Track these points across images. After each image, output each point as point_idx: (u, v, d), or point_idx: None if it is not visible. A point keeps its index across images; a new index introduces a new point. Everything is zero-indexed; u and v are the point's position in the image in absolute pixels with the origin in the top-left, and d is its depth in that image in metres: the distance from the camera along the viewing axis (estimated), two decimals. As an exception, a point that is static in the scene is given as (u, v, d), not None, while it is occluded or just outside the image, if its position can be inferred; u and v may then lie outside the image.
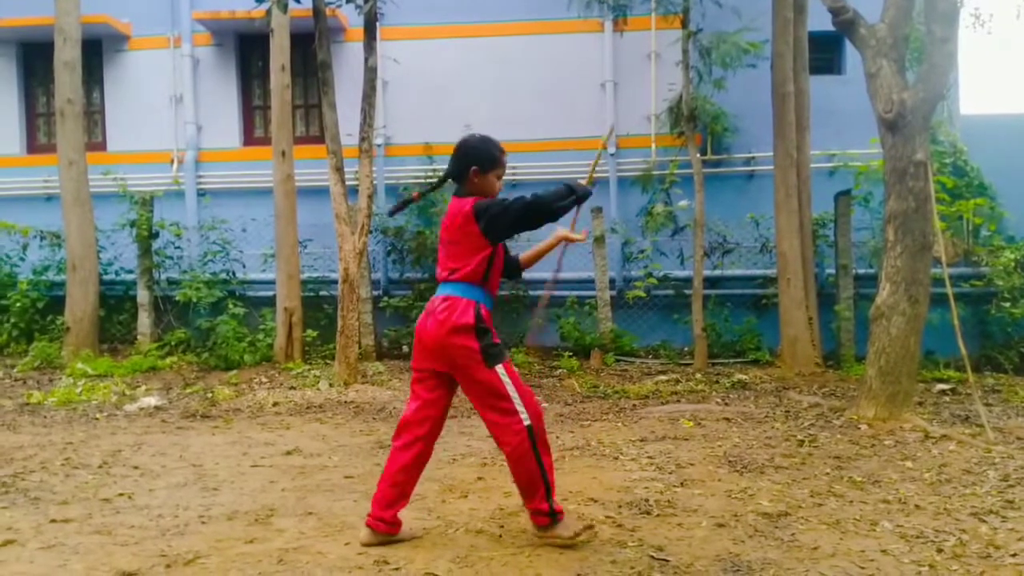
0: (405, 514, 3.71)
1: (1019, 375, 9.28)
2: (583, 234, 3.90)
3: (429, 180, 11.21)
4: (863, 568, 3.32)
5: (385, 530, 3.59)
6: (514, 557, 3.45)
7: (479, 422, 6.60)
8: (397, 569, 3.32)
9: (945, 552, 3.50)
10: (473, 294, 3.53)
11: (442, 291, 3.59)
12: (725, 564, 3.37)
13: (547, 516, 3.54)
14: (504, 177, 3.69)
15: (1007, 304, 9.83)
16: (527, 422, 3.47)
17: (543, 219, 3.50)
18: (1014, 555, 3.45)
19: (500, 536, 3.75)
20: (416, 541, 3.67)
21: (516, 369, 3.64)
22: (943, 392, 7.92)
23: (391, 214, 4.16)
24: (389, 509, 3.60)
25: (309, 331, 10.18)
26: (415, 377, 3.68)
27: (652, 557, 3.45)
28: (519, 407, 3.48)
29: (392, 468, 3.61)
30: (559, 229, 3.81)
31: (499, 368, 3.49)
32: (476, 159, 3.56)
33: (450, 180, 3.69)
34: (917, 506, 4.19)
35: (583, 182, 3.65)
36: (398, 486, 3.60)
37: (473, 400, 3.59)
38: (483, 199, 3.53)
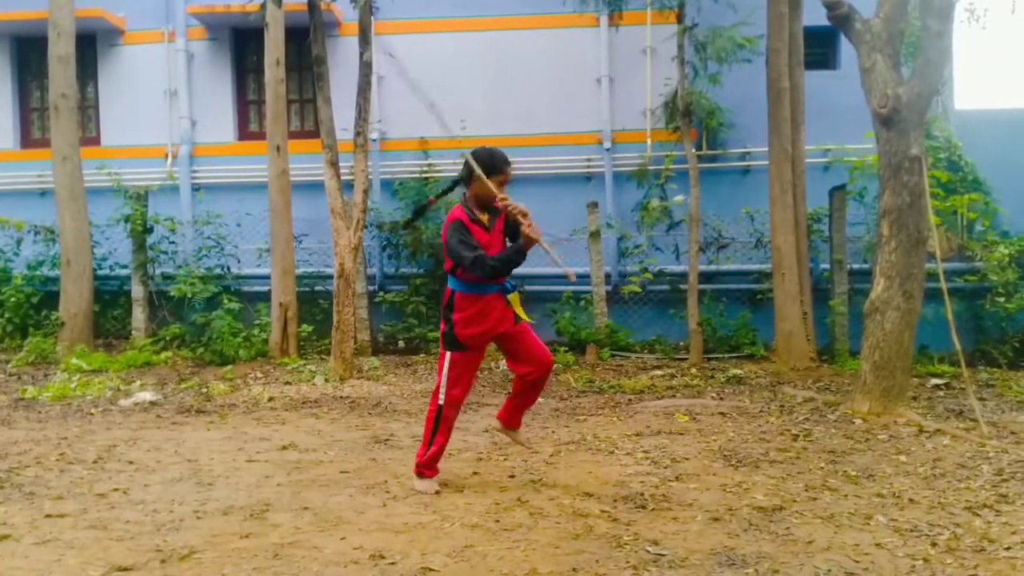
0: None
1: (1013, 370, 9.31)
2: (572, 277, 4.71)
3: (425, 175, 11.21)
4: (857, 562, 3.33)
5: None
6: (510, 551, 3.46)
7: (475, 417, 6.62)
8: (393, 564, 3.33)
9: (939, 546, 3.51)
10: (451, 284, 4.35)
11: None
12: (720, 558, 3.38)
13: (417, 467, 4.50)
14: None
15: (1001, 299, 9.84)
16: (440, 401, 4.37)
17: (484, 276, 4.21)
18: (1008, 548, 3.47)
19: (496, 531, 3.76)
20: (412, 535, 3.67)
21: (462, 361, 4.35)
22: (937, 387, 7.94)
23: (405, 227, 4.73)
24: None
25: (304, 326, 10.17)
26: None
27: (647, 551, 3.46)
28: (443, 389, 4.36)
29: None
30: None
31: (448, 354, 4.34)
32: (479, 166, 4.19)
33: (462, 183, 4.41)
34: (911, 500, 4.21)
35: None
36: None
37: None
38: (457, 220, 4.23)
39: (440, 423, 4.37)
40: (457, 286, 4.30)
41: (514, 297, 4.41)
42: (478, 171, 4.17)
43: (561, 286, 10.73)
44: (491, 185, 4.17)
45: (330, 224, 8.76)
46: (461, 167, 4.28)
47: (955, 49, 11.75)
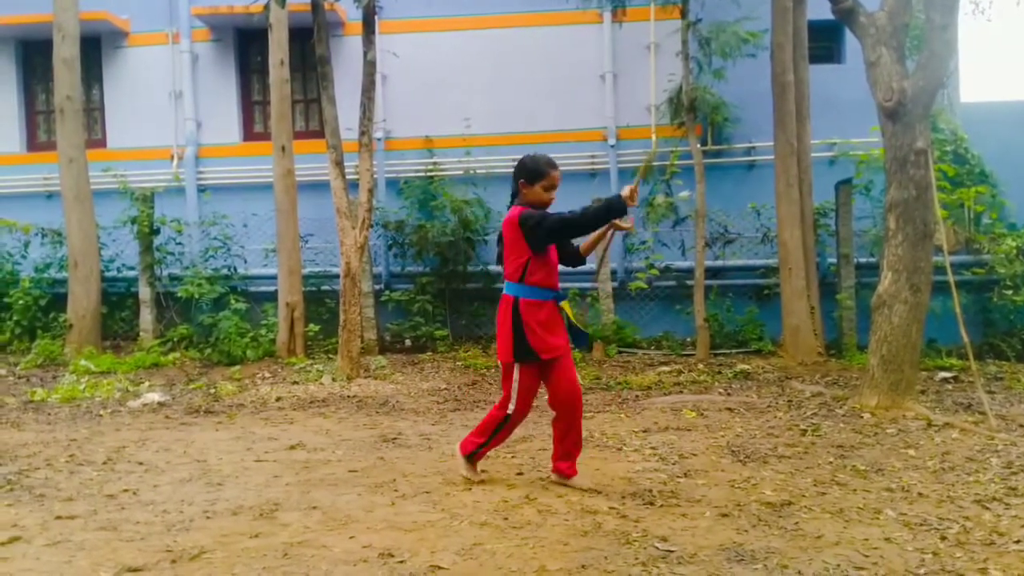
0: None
1: (1021, 362, 9.28)
2: (630, 221, 4.36)
3: (430, 173, 11.22)
4: (867, 556, 3.32)
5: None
6: (518, 549, 3.46)
7: (482, 415, 6.60)
8: (402, 562, 3.33)
9: (949, 539, 3.50)
10: (513, 290, 4.22)
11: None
12: (729, 554, 3.37)
13: (467, 457, 4.53)
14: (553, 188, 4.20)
15: (1009, 292, 9.82)
16: (508, 411, 4.29)
17: (575, 234, 4.17)
18: (1017, 542, 3.45)
19: (504, 528, 3.76)
20: (421, 534, 3.67)
21: (532, 372, 4.26)
22: (945, 380, 7.92)
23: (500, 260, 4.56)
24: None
25: (311, 326, 10.19)
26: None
27: (656, 547, 3.46)
28: (512, 400, 4.27)
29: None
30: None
31: (517, 365, 4.22)
32: (522, 173, 4.21)
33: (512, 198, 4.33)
34: (920, 494, 4.20)
35: (631, 187, 3.99)
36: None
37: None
38: (531, 209, 4.15)
39: (502, 431, 4.38)
40: (520, 291, 4.19)
41: (565, 304, 4.37)
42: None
43: (567, 283, 10.71)
44: (545, 195, 4.20)
45: (335, 224, 8.77)
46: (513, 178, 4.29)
47: (960, 42, 11.71)
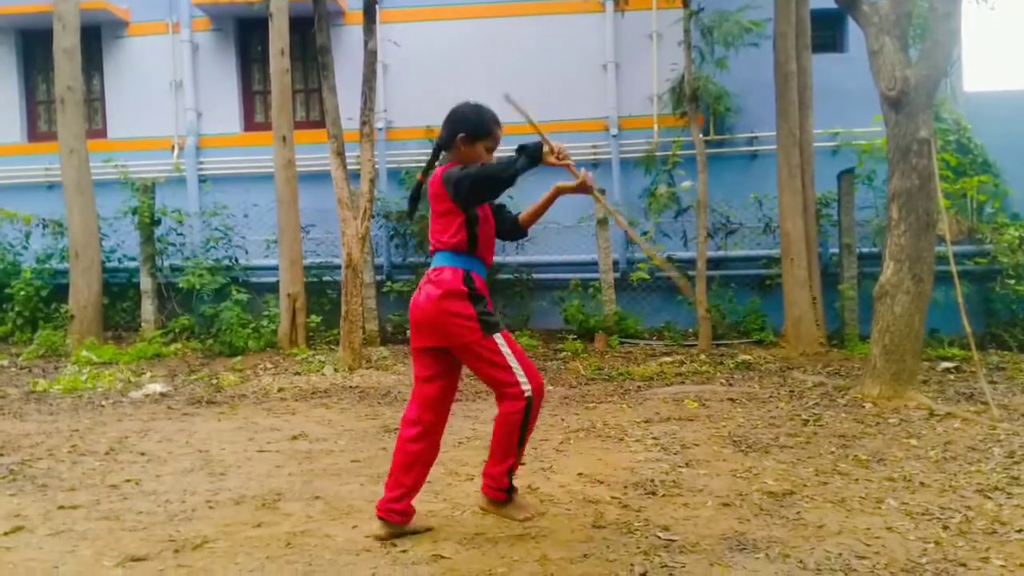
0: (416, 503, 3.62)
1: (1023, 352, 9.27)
2: (583, 175, 3.46)
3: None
4: (869, 545, 3.32)
5: (398, 520, 3.48)
6: (520, 539, 3.46)
7: (484, 405, 6.62)
8: (404, 551, 3.33)
9: (951, 529, 3.50)
10: (461, 262, 3.40)
11: (434, 262, 3.48)
12: (731, 543, 3.38)
13: (505, 492, 3.48)
14: (496, 151, 3.50)
15: (1011, 281, 9.80)
16: (528, 392, 3.34)
17: (498, 185, 3.26)
18: (1020, 531, 3.45)
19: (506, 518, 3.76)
20: (423, 522, 3.67)
21: (512, 339, 3.47)
22: (947, 370, 7.91)
23: (409, 216, 3.95)
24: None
25: (313, 317, 10.19)
26: (414, 358, 3.54)
27: (658, 537, 3.46)
28: (520, 376, 3.36)
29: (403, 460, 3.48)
30: (555, 187, 3.54)
31: (497, 337, 3.37)
32: (464, 126, 3.42)
33: (442, 151, 3.51)
34: (922, 483, 4.20)
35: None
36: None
37: (474, 371, 3.44)
38: (453, 166, 3.37)
39: (530, 422, 3.41)
40: (470, 265, 3.42)
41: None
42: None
43: (569, 274, 10.72)
44: (487, 157, 3.47)
45: (337, 214, 8.76)
46: (442, 128, 3.51)
47: (963, 31, 11.65)
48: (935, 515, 3.68)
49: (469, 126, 3.42)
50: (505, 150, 3.16)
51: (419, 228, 10.83)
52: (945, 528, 3.51)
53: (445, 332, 3.37)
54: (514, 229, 3.75)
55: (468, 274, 3.40)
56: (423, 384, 3.49)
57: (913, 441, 5.12)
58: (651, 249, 3.86)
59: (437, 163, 3.54)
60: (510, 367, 3.36)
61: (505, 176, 3.21)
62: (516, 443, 3.41)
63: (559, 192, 3.54)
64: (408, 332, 10.67)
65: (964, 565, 3.10)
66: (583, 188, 3.48)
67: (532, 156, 3.22)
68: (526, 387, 3.35)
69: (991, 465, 4.52)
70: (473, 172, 3.26)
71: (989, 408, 5.85)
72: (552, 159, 3.25)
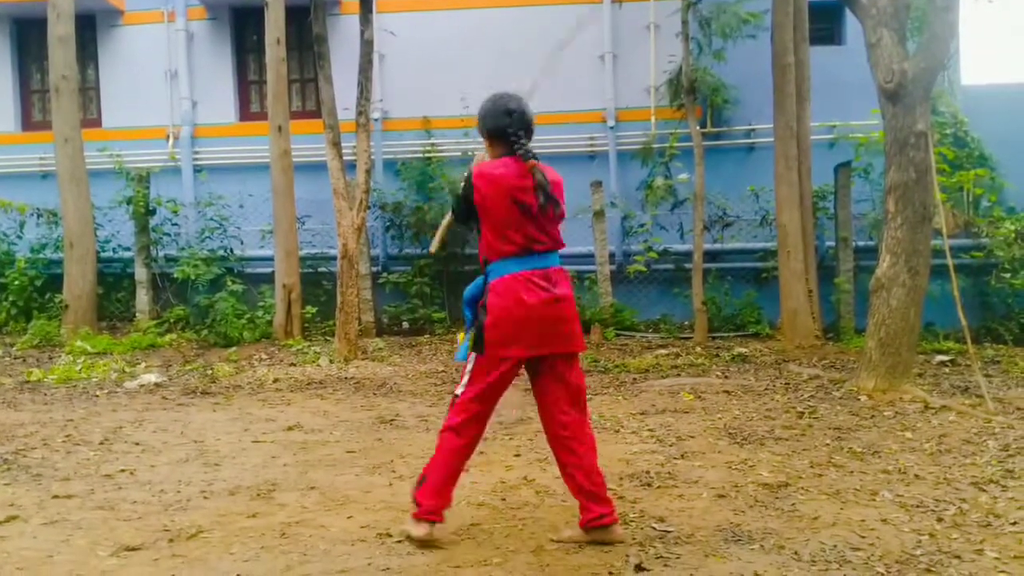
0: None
1: (1019, 346, 9.28)
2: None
3: (427, 155, 11.16)
4: (863, 537, 3.33)
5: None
6: (516, 529, 3.47)
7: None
8: (399, 542, 3.33)
9: (945, 521, 3.51)
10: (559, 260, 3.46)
11: (551, 263, 3.36)
12: (726, 534, 3.38)
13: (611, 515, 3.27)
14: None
15: (1007, 275, 9.81)
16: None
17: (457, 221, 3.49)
18: (1014, 523, 3.46)
19: (502, 509, 3.77)
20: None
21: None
22: (943, 363, 7.93)
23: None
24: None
25: (308, 308, 10.17)
26: (498, 372, 3.28)
27: (653, 528, 3.46)
28: None
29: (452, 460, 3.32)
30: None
31: None
32: (482, 125, 3.41)
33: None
34: (917, 476, 4.21)
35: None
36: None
37: (570, 379, 3.36)
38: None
39: None
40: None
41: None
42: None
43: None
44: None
45: (333, 205, 8.74)
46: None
47: (961, 24, 11.64)
48: (930, 507, 3.69)
49: (486, 124, 3.41)
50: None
51: (415, 220, 10.81)
52: (939, 520, 3.52)
53: (578, 336, 3.35)
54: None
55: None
56: (490, 403, 3.33)
57: (908, 434, 5.13)
58: None
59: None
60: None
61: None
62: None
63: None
64: (404, 324, 10.78)
65: (958, 557, 3.11)
66: None
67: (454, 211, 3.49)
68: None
69: (986, 458, 4.53)
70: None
71: (984, 401, 5.86)
72: None
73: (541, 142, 11.63)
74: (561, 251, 3.43)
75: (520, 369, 3.35)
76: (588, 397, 6.43)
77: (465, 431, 3.28)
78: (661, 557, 3.14)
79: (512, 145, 3.31)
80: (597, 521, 3.22)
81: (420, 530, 3.24)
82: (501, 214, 3.27)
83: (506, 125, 3.33)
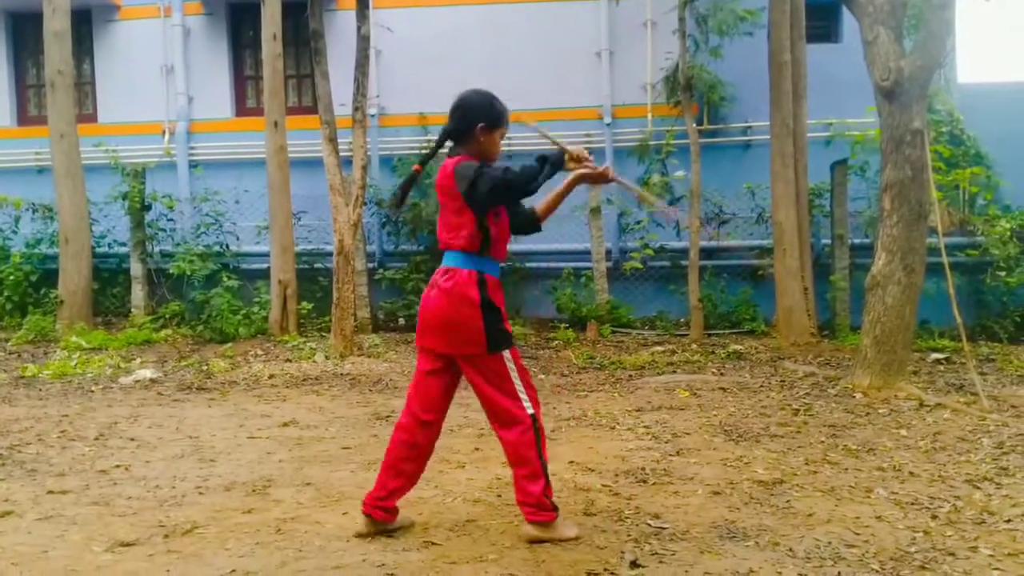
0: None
1: (1014, 344, 9.31)
2: (606, 170, 3.29)
3: (424, 151, 11.12)
4: (858, 534, 3.33)
5: (383, 517, 3.36)
6: (511, 526, 3.47)
7: (473, 394, 6.61)
8: (394, 538, 3.33)
9: (940, 518, 3.52)
10: (473, 263, 3.22)
11: (445, 261, 3.30)
12: (721, 531, 3.38)
13: (552, 511, 3.25)
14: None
15: (1002, 273, 9.83)
16: (530, 411, 3.22)
17: (517, 196, 3.24)
18: (1008, 521, 3.47)
19: (498, 505, 3.77)
20: (415, 510, 3.67)
21: (518, 355, 3.32)
22: (938, 361, 7.95)
23: (397, 206, 3.76)
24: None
25: (304, 304, 10.16)
26: (418, 353, 3.43)
27: (648, 524, 3.46)
28: (523, 398, 3.22)
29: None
30: (574, 172, 3.30)
31: (505, 353, 3.22)
32: (483, 115, 3.25)
33: (449, 141, 3.34)
34: (912, 473, 4.22)
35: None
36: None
37: (474, 385, 3.30)
38: (467, 161, 3.20)
39: (542, 441, 3.27)
40: (483, 266, 3.24)
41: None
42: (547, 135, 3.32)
43: (561, 262, 10.71)
44: (500, 145, 3.37)
45: (329, 201, 8.72)
46: (451, 118, 3.31)
47: (958, 22, 11.65)
48: (924, 505, 3.70)
49: (489, 115, 3.26)
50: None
51: (411, 216, 10.79)
52: (934, 517, 3.53)
53: (451, 340, 3.23)
54: (528, 223, 3.54)
55: (481, 277, 3.21)
56: (426, 377, 3.36)
57: (903, 431, 5.14)
58: (652, 198, 3.72)
59: (443, 152, 3.35)
60: (514, 390, 3.23)
61: (529, 188, 3.11)
62: (537, 461, 3.23)
63: (579, 181, 3.32)
64: (400, 320, 10.77)
65: (953, 554, 3.11)
66: (604, 178, 3.30)
67: (555, 164, 3.18)
68: (529, 409, 3.23)
69: (980, 455, 4.54)
70: (495, 177, 3.11)
71: (979, 399, 5.87)
72: (572, 165, 3.24)
73: (537, 138, 11.65)
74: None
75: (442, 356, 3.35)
76: (584, 393, 6.51)
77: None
78: (656, 554, 3.14)
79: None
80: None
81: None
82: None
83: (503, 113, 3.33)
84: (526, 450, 3.21)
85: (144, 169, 10.83)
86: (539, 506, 3.23)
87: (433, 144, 3.41)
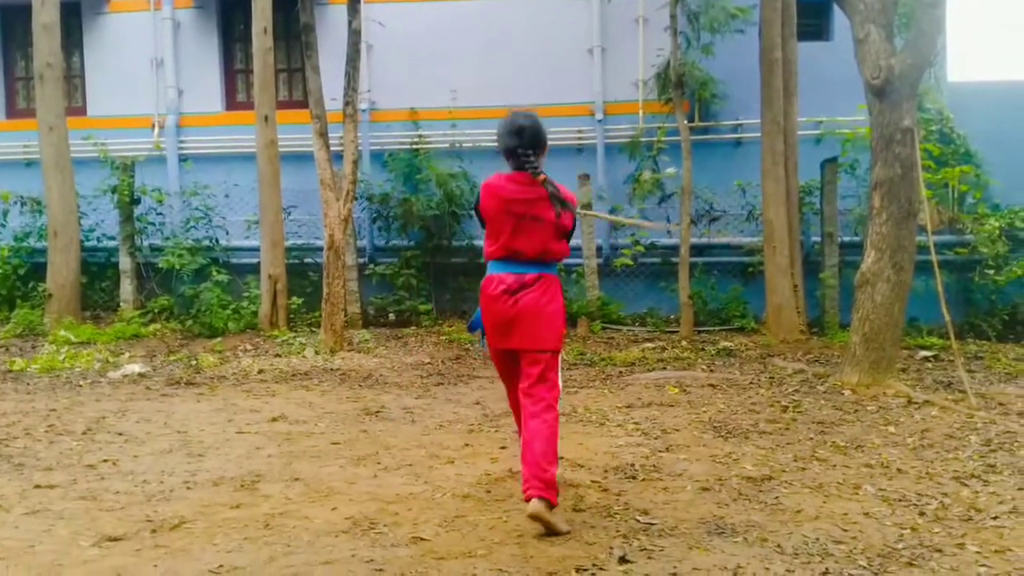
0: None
1: (1002, 342, 9.36)
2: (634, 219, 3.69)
3: (415, 146, 11.11)
4: (846, 530, 3.35)
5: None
6: (500, 521, 3.47)
7: (465, 389, 6.62)
8: (383, 533, 3.33)
9: (927, 515, 3.54)
10: (555, 272, 3.79)
11: (534, 269, 3.61)
12: (709, 527, 3.40)
13: (555, 496, 3.34)
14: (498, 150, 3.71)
15: (991, 272, 9.87)
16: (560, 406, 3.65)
17: None
18: (995, 518, 3.49)
19: (487, 500, 3.77)
20: (403, 505, 3.67)
21: None
22: (926, 359, 7.98)
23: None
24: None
25: (294, 298, 10.13)
26: (499, 358, 3.81)
27: (637, 520, 3.47)
28: (561, 386, 3.70)
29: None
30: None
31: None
32: (498, 144, 3.72)
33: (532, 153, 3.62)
34: (900, 470, 4.24)
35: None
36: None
37: (538, 376, 3.54)
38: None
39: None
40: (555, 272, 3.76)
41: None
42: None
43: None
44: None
45: (319, 195, 8.70)
46: (538, 135, 3.69)
47: (948, 20, 11.67)
48: (912, 501, 3.72)
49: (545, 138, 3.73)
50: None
51: (402, 211, 10.77)
52: (921, 514, 3.55)
53: (551, 336, 3.56)
54: None
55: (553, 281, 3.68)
56: (512, 378, 3.74)
57: (891, 428, 5.16)
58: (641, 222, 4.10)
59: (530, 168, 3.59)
60: (559, 380, 3.64)
61: None
62: (557, 447, 3.48)
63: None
64: (390, 315, 10.75)
65: (940, 551, 3.13)
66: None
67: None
68: (561, 399, 3.66)
69: (968, 453, 4.56)
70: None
71: (967, 397, 5.90)
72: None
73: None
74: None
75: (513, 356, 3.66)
76: (574, 390, 6.51)
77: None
78: (645, 549, 3.15)
79: (522, 161, 3.58)
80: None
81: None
82: (496, 223, 3.62)
83: (516, 145, 3.59)
84: (554, 432, 3.47)
85: (133, 162, 10.77)
86: (550, 485, 3.32)
87: (534, 160, 3.62)
